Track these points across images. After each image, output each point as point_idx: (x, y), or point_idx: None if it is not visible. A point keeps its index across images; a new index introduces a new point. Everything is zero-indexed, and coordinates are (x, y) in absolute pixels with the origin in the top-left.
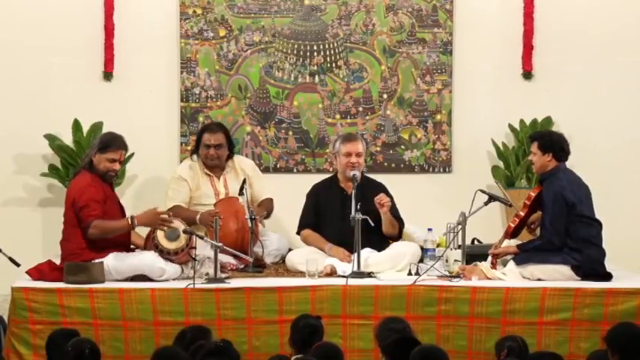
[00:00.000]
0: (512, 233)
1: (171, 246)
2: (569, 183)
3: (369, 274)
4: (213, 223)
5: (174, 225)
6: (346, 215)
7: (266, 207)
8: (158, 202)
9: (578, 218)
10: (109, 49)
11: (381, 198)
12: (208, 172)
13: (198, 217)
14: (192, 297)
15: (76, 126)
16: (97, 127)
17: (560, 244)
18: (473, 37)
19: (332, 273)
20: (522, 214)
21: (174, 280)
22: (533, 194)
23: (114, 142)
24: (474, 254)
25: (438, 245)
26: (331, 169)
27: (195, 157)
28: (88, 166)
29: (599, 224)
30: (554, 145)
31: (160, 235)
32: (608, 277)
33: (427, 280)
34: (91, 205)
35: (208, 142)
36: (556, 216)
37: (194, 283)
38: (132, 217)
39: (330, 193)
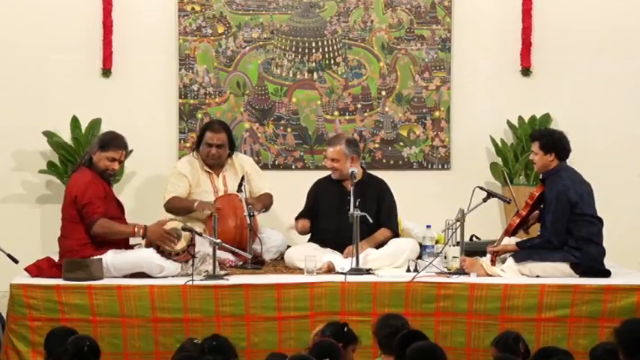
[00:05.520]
0: (512, 231)
1: (173, 247)
2: (573, 182)
3: (368, 271)
4: (210, 210)
5: (173, 225)
6: (344, 211)
7: (263, 201)
8: (156, 199)
9: (581, 217)
10: (107, 46)
11: None
12: (208, 169)
13: (195, 204)
14: (191, 294)
15: (75, 123)
16: (95, 123)
17: (559, 244)
18: (471, 33)
19: (330, 270)
20: (524, 213)
21: (173, 277)
22: (536, 193)
23: (115, 142)
24: (473, 251)
25: (437, 242)
26: None
27: (195, 153)
28: (88, 163)
29: (601, 222)
30: (557, 144)
31: None
32: (606, 274)
33: (426, 277)
34: (95, 203)
35: (210, 142)
36: (557, 216)
37: (192, 280)
38: (145, 227)
39: (330, 188)
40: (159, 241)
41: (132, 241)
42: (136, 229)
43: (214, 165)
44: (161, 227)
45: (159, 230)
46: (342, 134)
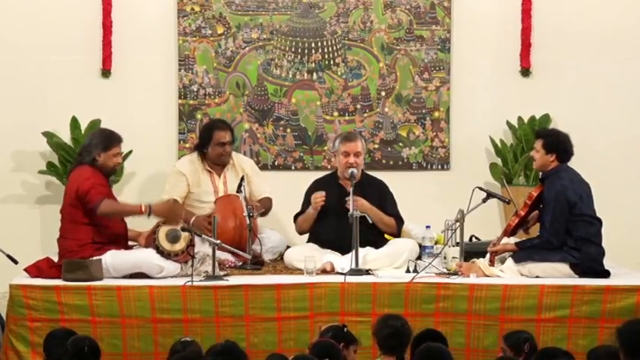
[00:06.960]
0: (511, 232)
1: (172, 248)
2: (572, 182)
3: (367, 271)
4: (206, 228)
5: (172, 226)
6: (344, 212)
7: (264, 205)
8: (156, 199)
9: (580, 217)
10: (107, 47)
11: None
12: (210, 169)
13: (192, 220)
14: (191, 294)
15: (74, 123)
16: (95, 124)
17: (558, 245)
18: (471, 34)
19: (330, 270)
20: (523, 213)
21: (172, 277)
22: (534, 194)
23: (114, 139)
24: (472, 251)
25: (436, 242)
26: (329, 167)
27: (196, 153)
28: (91, 163)
29: (600, 222)
30: (559, 146)
31: (161, 237)
32: (605, 274)
33: (425, 278)
34: (96, 187)
35: (223, 140)
36: (556, 216)
37: (192, 281)
38: (149, 206)
39: (329, 189)
40: (168, 217)
41: (130, 242)
42: (143, 208)
43: (222, 164)
44: (168, 206)
45: (170, 207)
46: (351, 131)
